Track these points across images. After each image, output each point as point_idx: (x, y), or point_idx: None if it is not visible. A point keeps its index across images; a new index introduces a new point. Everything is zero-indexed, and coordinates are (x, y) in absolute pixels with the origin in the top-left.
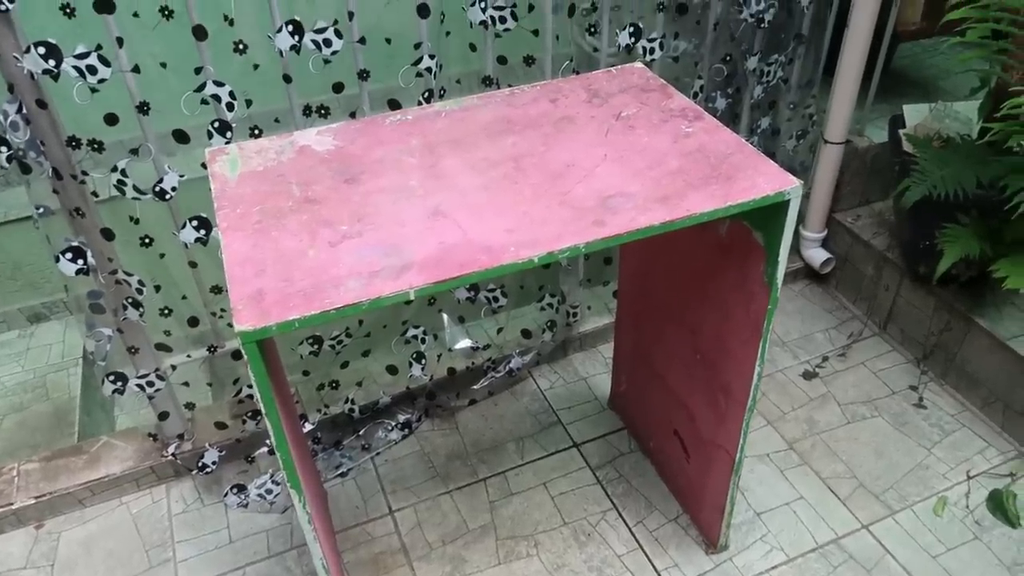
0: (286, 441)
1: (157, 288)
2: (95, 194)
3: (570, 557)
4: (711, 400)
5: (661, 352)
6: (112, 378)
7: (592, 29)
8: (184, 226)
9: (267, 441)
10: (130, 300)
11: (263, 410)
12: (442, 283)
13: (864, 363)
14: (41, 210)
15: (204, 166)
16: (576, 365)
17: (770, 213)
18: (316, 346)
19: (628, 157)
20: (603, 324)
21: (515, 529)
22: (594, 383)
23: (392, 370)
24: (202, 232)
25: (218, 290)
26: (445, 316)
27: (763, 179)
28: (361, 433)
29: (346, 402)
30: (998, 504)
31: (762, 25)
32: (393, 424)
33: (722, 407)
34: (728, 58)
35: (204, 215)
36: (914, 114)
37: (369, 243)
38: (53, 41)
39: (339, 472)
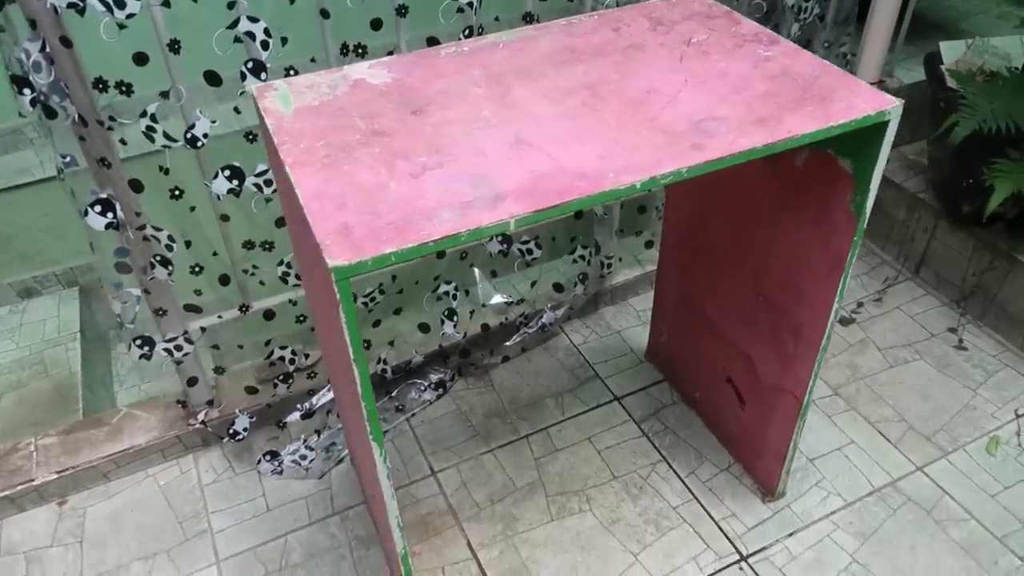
0: (371, 391)
1: (188, 244)
2: (123, 141)
3: (624, 511)
4: (776, 343)
5: (714, 298)
6: (139, 342)
7: None
8: (216, 176)
9: (299, 406)
10: (159, 258)
11: (351, 355)
12: (543, 212)
13: (900, 307)
14: (67, 159)
15: (237, 110)
16: (608, 319)
17: (863, 137)
18: None
19: (710, 82)
20: (634, 276)
21: (564, 485)
22: (628, 336)
23: (424, 328)
24: (235, 183)
25: (250, 245)
26: (477, 271)
27: (860, 99)
28: (394, 394)
29: (378, 362)
30: None
31: None
32: (426, 384)
33: (790, 350)
34: None
35: (237, 164)
36: (951, 51)
37: (452, 174)
38: None
39: None
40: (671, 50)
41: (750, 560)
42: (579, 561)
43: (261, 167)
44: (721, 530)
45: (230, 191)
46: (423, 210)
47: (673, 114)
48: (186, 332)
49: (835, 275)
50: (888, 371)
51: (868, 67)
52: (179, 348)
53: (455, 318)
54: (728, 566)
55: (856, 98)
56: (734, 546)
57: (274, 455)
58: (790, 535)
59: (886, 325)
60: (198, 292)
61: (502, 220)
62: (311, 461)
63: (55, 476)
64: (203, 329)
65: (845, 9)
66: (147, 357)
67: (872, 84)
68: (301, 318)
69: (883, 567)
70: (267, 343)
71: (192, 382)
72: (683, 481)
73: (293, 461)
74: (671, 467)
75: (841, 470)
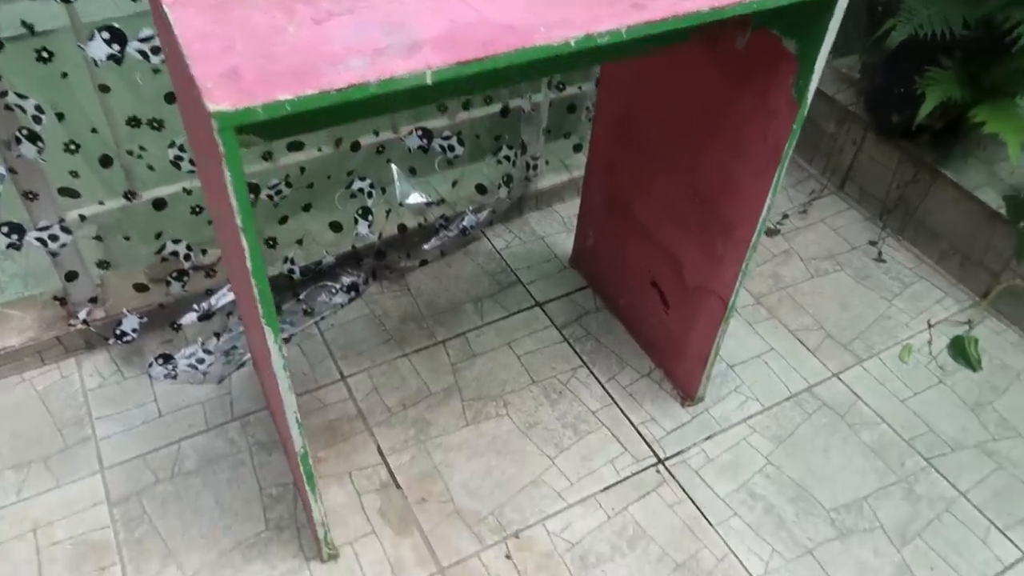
0: (263, 265)
1: (60, 117)
2: None
3: (542, 415)
4: (705, 243)
5: (644, 199)
6: (6, 230)
7: None
8: (92, 37)
9: (196, 306)
10: (25, 131)
11: (239, 222)
12: (465, 64)
13: (824, 220)
14: None
15: None
16: (532, 224)
17: (810, 14)
18: (252, 196)
19: None
20: (561, 181)
21: (481, 390)
22: (553, 242)
23: (336, 227)
24: (116, 47)
25: (136, 122)
26: (395, 167)
27: None
28: (302, 297)
29: (285, 262)
30: (960, 349)
31: None
32: (338, 287)
33: (719, 250)
34: None
35: (117, 26)
36: None
37: (363, 20)
38: None
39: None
40: None
41: (667, 463)
42: (494, 465)
43: (147, 31)
44: (639, 434)
45: (110, 57)
46: (328, 56)
47: None
48: (62, 220)
49: (771, 168)
50: (809, 281)
51: None
52: (54, 238)
53: (370, 217)
54: (645, 469)
55: None
56: (652, 449)
57: (168, 358)
58: (707, 438)
59: (809, 237)
60: (74, 174)
61: (418, 70)
62: (209, 365)
63: None
64: (82, 217)
65: None
66: (16, 247)
67: None
68: (197, 209)
69: (796, 468)
70: (158, 236)
71: (71, 277)
72: (603, 386)
73: (189, 365)
74: (591, 372)
75: (760, 376)
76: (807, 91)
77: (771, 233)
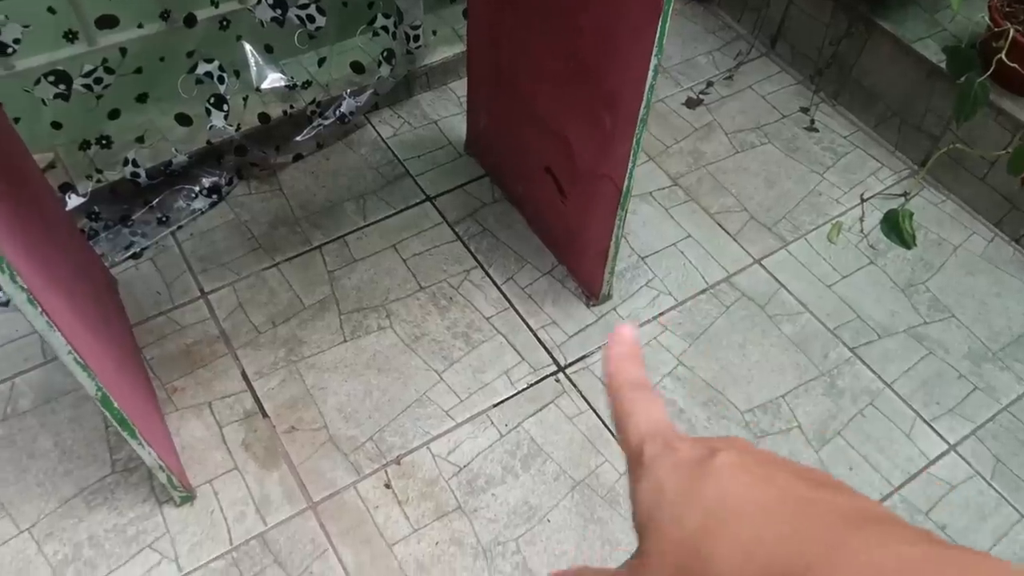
0: None
1: None
2: None
3: (430, 325)
4: (592, 120)
5: (527, 69)
6: (52, 79)
7: None
8: None
9: None
10: None
11: None
12: None
13: (752, 87)
14: None
15: None
16: (424, 107)
17: None
18: (64, 86)
19: None
20: (454, 55)
21: (362, 300)
22: (446, 126)
23: (184, 120)
24: None
25: None
26: (247, 45)
27: None
28: (155, 204)
29: (126, 164)
30: (893, 225)
31: None
32: (197, 190)
33: (607, 126)
34: None
35: None
36: None
37: None
38: None
39: (130, 253)
40: None
41: (568, 371)
42: (373, 384)
43: None
44: (538, 340)
45: None
46: None
47: None
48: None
49: (651, 22)
50: (733, 157)
51: None
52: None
53: (225, 107)
54: (543, 379)
55: None
56: (551, 356)
57: None
58: None
59: (735, 107)
60: None
61: None
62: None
63: None
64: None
65: None
66: (64, 97)
67: None
68: None
69: (710, 368)
70: None
71: None
72: (499, 288)
73: None
74: (487, 273)
75: (674, 267)
76: None
77: (693, 104)
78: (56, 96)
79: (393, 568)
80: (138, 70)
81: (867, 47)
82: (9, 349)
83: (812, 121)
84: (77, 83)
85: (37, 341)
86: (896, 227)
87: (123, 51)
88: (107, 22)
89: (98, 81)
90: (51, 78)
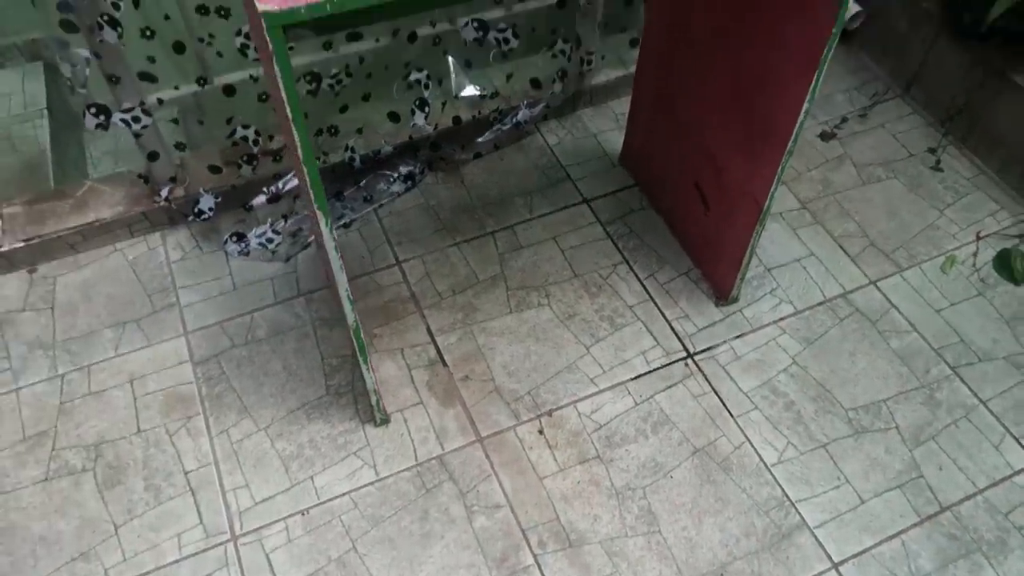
0: (312, 152)
1: (136, 3)
2: None
3: (581, 307)
4: (746, 146)
5: (690, 99)
6: (94, 110)
7: None
8: None
9: (265, 189)
10: (106, 17)
11: (289, 113)
12: None
13: (884, 125)
14: None
15: None
16: (585, 121)
17: None
18: (314, 84)
19: None
20: (616, 77)
21: (525, 280)
22: (604, 139)
23: (394, 117)
24: None
25: (204, 10)
26: (451, 59)
27: None
28: (363, 184)
29: (346, 150)
30: (1004, 262)
31: None
32: (396, 176)
33: (757, 151)
34: None
35: None
36: None
37: None
38: None
39: (341, 223)
40: None
41: (696, 357)
42: (532, 350)
43: None
44: (672, 329)
45: None
46: None
47: None
48: (143, 103)
49: (810, 71)
50: (860, 188)
51: None
52: (136, 119)
53: (426, 109)
54: (674, 362)
55: None
56: (682, 344)
57: (240, 236)
58: (737, 337)
59: (867, 142)
60: (151, 59)
61: None
62: (278, 244)
63: (22, 244)
64: (160, 101)
65: None
66: (103, 127)
67: None
68: (263, 96)
69: (821, 369)
70: (229, 121)
71: (153, 156)
72: (641, 282)
73: (260, 243)
74: (631, 269)
75: (796, 280)
76: None
77: (827, 137)
78: (307, 93)
79: (542, 496)
80: (368, 75)
81: (999, 98)
82: (249, 290)
83: (938, 161)
84: (325, 83)
85: (270, 286)
86: (1008, 264)
87: (361, 59)
88: (354, 36)
89: (339, 82)
90: (308, 77)
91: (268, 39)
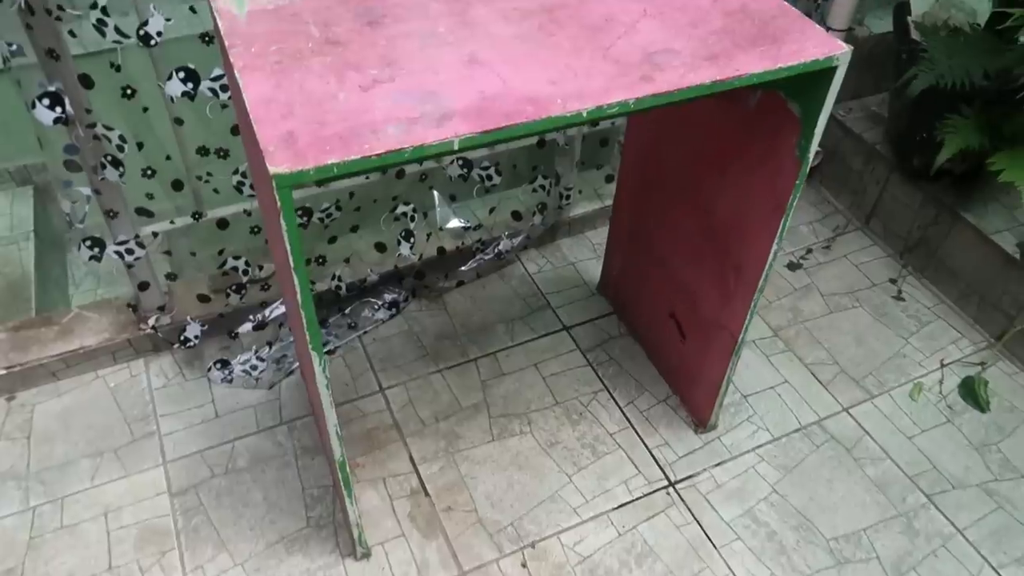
0: (311, 300)
1: (140, 146)
2: (72, 34)
3: (563, 435)
4: (718, 280)
5: (665, 233)
6: (89, 243)
7: None
8: (170, 77)
9: (251, 317)
10: (109, 158)
11: (291, 264)
12: (488, 133)
13: (847, 256)
14: (13, 47)
15: (193, 9)
16: (564, 250)
17: (812, 81)
18: (305, 218)
19: (668, 13)
20: (592, 209)
21: (508, 407)
22: (583, 268)
23: (380, 247)
24: (190, 86)
25: (204, 151)
26: (436, 194)
27: (811, 43)
28: (347, 311)
29: (333, 279)
30: (970, 390)
31: None
32: (380, 303)
33: (730, 287)
34: None
35: (192, 66)
36: (920, 2)
37: (403, 88)
38: None
39: (326, 350)
40: None
41: (677, 486)
42: (515, 479)
43: (217, 71)
44: (653, 457)
45: (184, 94)
46: (369, 123)
47: (628, 44)
48: (138, 236)
49: (776, 217)
50: (828, 316)
51: (839, 14)
52: (130, 252)
53: (412, 239)
54: (656, 491)
55: (808, 41)
56: (664, 472)
57: (225, 363)
58: (717, 465)
59: (831, 272)
60: (150, 196)
61: (447, 139)
62: (261, 372)
63: (3, 372)
64: (155, 234)
65: None
66: (97, 259)
67: (841, 31)
68: (255, 229)
69: (800, 497)
70: (220, 252)
71: (144, 287)
72: (622, 410)
73: (244, 371)
74: (612, 396)
75: (772, 407)
76: (808, 152)
77: (794, 267)
78: (299, 225)
79: None
80: (357, 208)
81: (951, 233)
82: (232, 417)
83: (899, 291)
84: (315, 217)
85: (252, 414)
86: (972, 392)
87: (351, 194)
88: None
89: (329, 215)
90: (299, 211)
91: (277, 198)
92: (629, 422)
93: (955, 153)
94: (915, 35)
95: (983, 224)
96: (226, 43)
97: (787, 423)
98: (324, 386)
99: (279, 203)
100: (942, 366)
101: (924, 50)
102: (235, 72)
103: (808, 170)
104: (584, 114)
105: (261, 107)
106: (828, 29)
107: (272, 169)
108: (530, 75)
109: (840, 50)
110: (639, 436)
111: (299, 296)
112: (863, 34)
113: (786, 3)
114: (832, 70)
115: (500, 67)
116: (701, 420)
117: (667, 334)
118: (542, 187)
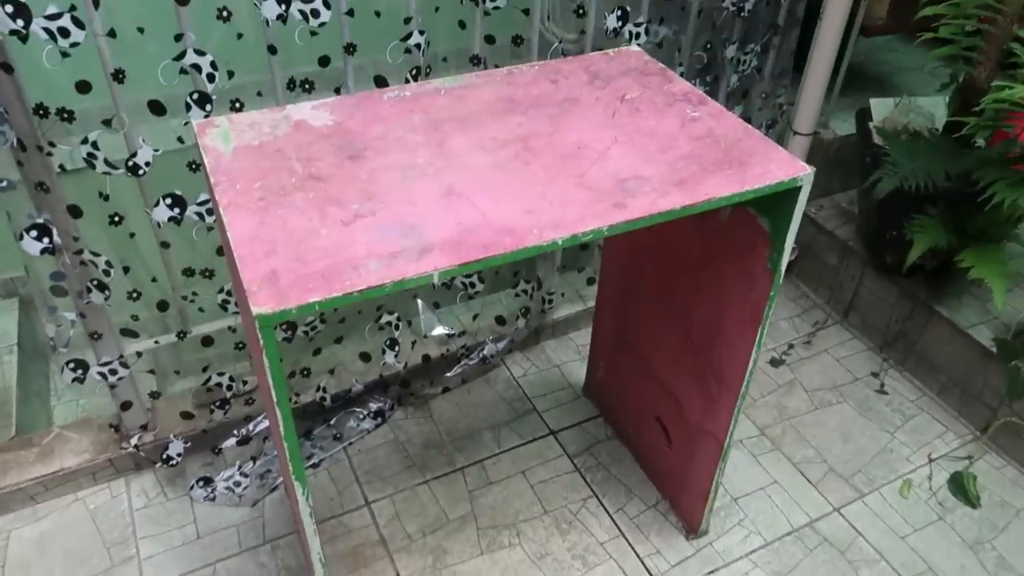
0: (295, 432)
1: (126, 270)
2: (63, 167)
3: (553, 546)
4: (701, 386)
5: (646, 338)
6: (72, 366)
7: (580, 10)
8: (157, 204)
9: (235, 432)
10: (95, 282)
11: (274, 397)
12: (466, 265)
13: (828, 351)
14: (4, 183)
15: (181, 140)
16: (549, 353)
17: (779, 199)
18: (290, 332)
19: (638, 140)
20: (575, 311)
21: (496, 518)
22: (568, 370)
23: (365, 357)
24: (176, 211)
25: (190, 272)
26: (420, 302)
27: (775, 165)
28: (332, 423)
29: (318, 390)
30: (959, 486)
31: (742, 14)
32: (365, 413)
33: (713, 393)
34: (708, 46)
35: (179, 192)
36: (880, 108)
37: (383, 222)
38: None
39: (311, 463)
40: (605, 105)
41: None
42: None
43: (203, 196)
44: (645, 567)
45: (171, 219)
46: (351, 259)
47: (600, 171)
48: (121, 356)
49: (753, 326)
50: (813, 413)
51: (804, 118)
52: (114, 372)
53: (397, 348)
54: None
55: (772, 163)
56: None
57: (208, 481)
58: (710, 573)
59: (814, 367)
60: (135, 317)
61: (426, 272)
62: (245, 488)
63: None
64: (139, 354)
65: (782, 63)
66: (80, 380)
67: (807, 135)
68: (240, 345)
69: None
70: (204, 369)
71: (126, 406)
72: (611, 517)
73: (227, 487)
74: (601, 503)
75: (763, 509)
76: (779, 265)
77: (776, 363)
78: (283, 340)
79: None
80: (342, 320)
81: (928, 327)
82: (214, 538)
83: (882, 385)
84: (300, 330)
85: (235, 533)
86: (961, 488)
87: (335, 307)
88: None
89: (314, 328)
90: (284, 327)
91: (259, 336)
92: (619, 530)
93: (926, 250)
94: (877, 140)
95: (958, 318)
96: (212, 180)
97: (779, 526)
98: (308, 515)
99: (262, 342)
100: (930, 461)
101: (887, 154)
102: (220, 209)
103: (781, 281)
104: (559, 242)
105: (245, 245)
106: (795, 133)
107: (255, 310)
108: (507, 205)
109: (803, 171)
110: (630, 544)
111: (282, 428)
112: (828, 136)
113: (749, 126)
114: (797, 189)
115: (478, 197)
116: (692, 526)
117: (653, 438)
118: (524, 291)
